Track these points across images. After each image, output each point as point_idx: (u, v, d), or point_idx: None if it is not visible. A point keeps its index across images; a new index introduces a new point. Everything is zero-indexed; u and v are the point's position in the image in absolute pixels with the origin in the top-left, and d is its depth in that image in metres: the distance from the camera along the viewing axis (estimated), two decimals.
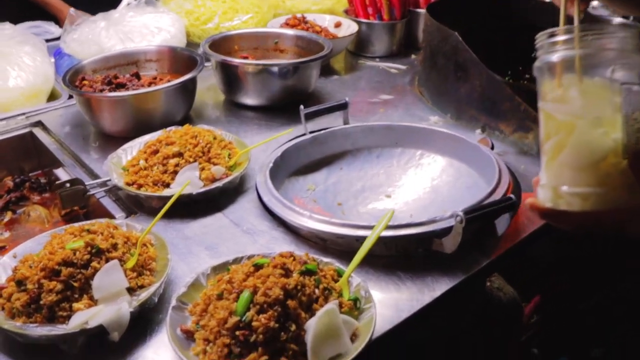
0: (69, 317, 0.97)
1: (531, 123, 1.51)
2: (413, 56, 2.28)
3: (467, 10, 1.95)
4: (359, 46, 2.30)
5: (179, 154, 1.36)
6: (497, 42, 1.91)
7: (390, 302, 1.05)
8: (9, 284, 1.03)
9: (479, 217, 1.09)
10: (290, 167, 1.49)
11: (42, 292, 0.98)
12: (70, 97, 1.93)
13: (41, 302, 0.98)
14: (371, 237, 1.04)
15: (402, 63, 2.22)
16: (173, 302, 0.98)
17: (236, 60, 1.76)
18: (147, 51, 1.86)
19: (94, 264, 1.01)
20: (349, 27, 2.20)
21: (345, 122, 1.63)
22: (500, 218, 1.22)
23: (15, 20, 2.12)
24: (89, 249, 1.03)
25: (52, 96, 1.98)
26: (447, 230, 1.12)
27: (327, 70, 2.14)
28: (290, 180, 1.47)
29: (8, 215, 1.60)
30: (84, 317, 0.96)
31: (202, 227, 1.28)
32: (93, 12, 2.12)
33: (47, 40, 2.11)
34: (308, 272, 0.97)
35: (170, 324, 0.94)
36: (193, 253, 1.18)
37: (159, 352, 0.97)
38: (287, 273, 0.95)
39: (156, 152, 1.38)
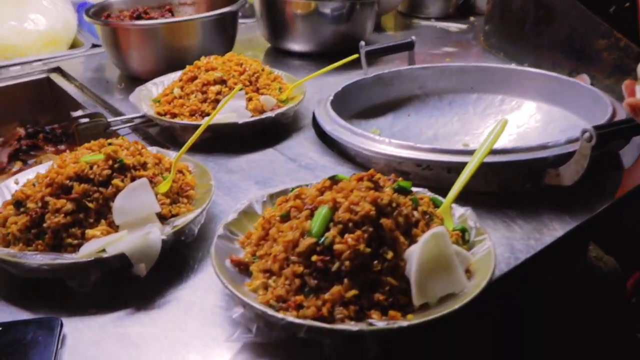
0: (79, 247, 0.73)
1: (631, 62, 1.25)
2: (472, 18, 2.03)
3: None
4: (411, 6, 2.07)
5: (222, 81, 1.13)
6: None
7: (502, 241, 0.80)
8: (5, 208, 0.80)
9: (613, 135, 0.84)
10: (351, 109, 1.25)
11: (47, 213, 0.74)
12: (94, 45, 1.72)
13: (44, 225, 0.74)
14: (487, 144, 0.79)
15: (462, 24, 1.97)
16: (220, 231, 0.74)
17: None
18: None
19: (117, 181, 0.77)
20: None
21: (412, 65, 1.39)
22: (626, 150, 0.97)
23: None
24: (110, 162, 0.79)
25: (73, 46, 1.77)
26: (562, 158, 0.87)
27: (377, 28, 1.90)
28: (352, 123, 1.23)
29: (17, 165, 1.38)
30: (99, 244, 0.72)
31: (249, 161, 1.04)
32: None
33: None
34: (401, 190, 0.72)
35: (217, 254, 0.69)
36: (240, 187, 0.95)
37: (198, 293, 0.72)
38: (377, 187, 0.70)
39: (194, 78, 1.15)
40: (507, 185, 0.91)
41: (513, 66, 1.32)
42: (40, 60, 1.62)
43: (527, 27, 1.50)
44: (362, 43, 1.34)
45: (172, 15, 1.52)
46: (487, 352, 0.97)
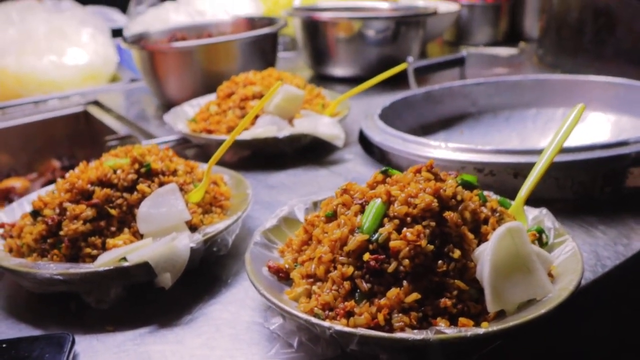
0: (97, 258, 0.64)
1: None
2: (522, 43, 1.94)
3: None
4: (458, 34, 1.99)
5: (261, 96, 1.05)
6: None
7: (584, 248, 0.69)
8: (22, 219, 0.72)
9: None
10: (400, 126, 1.14)
11: (64, 220, 0.66)
12: (132, 80, 1.69)
13: (61, 234, 0.66)
14: (555, 140, 0.68)
15: (512, 48, 1.88)
16: (257, 237, 0.64)
17: (325, 15, 1.46)
18: (220, 22, 1.60)
19: (142, 186, 0.69)
20: (449, 9, 1.89)
21: (463, 80, 1.29)
22: None
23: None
24: (136, 166, 0.71)
25: (113, 81, 1.74)
26: None
27: (422, 56, 1.83)
28: None
29: None
30: (120, 252, 0.63)
31: (291, 176, 0.95)
32: None
33: (114, 34, 1.89)
34: (467, 185, 0.62)
35: (252, 261, 0.60)
36: (281, 202, 0.85)
37: (230, 308, 0.62)
38: (438, 178, 0.60)
39: (231, 94, 1.08)
40: (584, 190, 0.80)
41: (574, 76, 1.22)
42: (79, 94, 1.59)
43: (586, 39, 1.40)
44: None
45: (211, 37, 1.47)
46: None
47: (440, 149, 0.85)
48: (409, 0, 1.98)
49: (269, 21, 1.53)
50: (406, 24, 1.47)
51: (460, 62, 1.31)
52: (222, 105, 1.07)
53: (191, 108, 1.17)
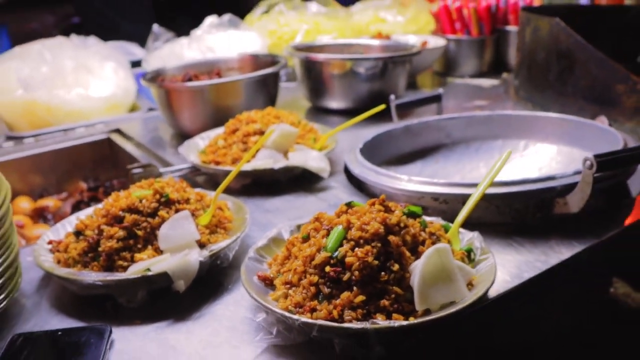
0: (127, 269, 0.84)
1: None
2: (505, 74, 2.12)
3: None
4: (446, 66, 2.18)
5: (261, 132, 1.25)
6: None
7: (509, 264, 0.87)
8: (66, 238, 0.92)
9: (613, 163, 0.90)
10: (382, 156, 1.34)
11: (102, 239, 0.86)
12: (150, 109, 1.89)
13: (99, 249, 0.85)
14: (490, 175, 0.86)
15: (495, 80, 2.07)
16: (250, 254, 0.83)
17: (321, 56, 1.65)
18: (228, 59, 1.79)
19: (162, 212, 0.89)
20: (437, 44, 2.08)
21: (440, 115, 1.48)
22: (633, 179, 1.03)
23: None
24: (157, 196, 0.90)
25: (132, 110, 1.94)
26: (569, 188, 0.94)
27: (412, 86, 2.02)
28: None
29: None
30: (145, 264, 0.82)
31: (284, 202, 1.14)
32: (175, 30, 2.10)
33: (133, 65, 2.09)
34: (412, 214, 0.80)
35: (246, 272, 0.79)
36: (275, 224, 1.04)
37: (229, 307, 0.81)
38: (387, 210, 0.78)
39: (236, 130, 1.27)
40: (519, 215, 0.98)
41: (535, 113, 1.40)
42: (102, 122, 1.79)
43: (551, 77, 1.58)
44: (392, 97, 1.44)
45: (220, 75, 1.66)
46: None
47: (404, 181, 1.03)
48: (402, 36, 2.17)
49: (272, 59, 1.73)
50: (393, 62, 1.66)
51: (437, 99, 1.49)
52: (228, 140, 1.26)
53: (202, 140, 1.36)
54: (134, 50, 2.17)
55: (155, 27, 2.05)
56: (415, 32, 2.29)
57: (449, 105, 1.75)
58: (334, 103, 1.71)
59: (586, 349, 1.20)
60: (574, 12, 1.98)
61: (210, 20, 2.10)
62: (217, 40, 1.99)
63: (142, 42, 2.17)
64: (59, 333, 0.77)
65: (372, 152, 1.28)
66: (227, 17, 2.10)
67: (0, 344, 0.76)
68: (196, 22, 2.12)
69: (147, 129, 1.74)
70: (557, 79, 1.55)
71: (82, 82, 1.81)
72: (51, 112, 1.75)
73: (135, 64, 2.16)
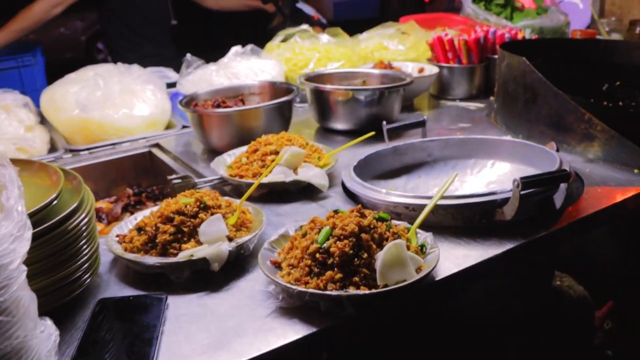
0: (177, 255, 1.16)
1: (595, 132, 1.62)
2: (492, 98, 2.42)
3: (540, 51, 2.11)
4: (441, 89, 2.48)
5: (276, 152, 1.57)
6: (573, 79, 2.05)
7: (458, 257, 1.18)
8: (130, 232, 1.25)
9: (534, 183, 1.22)
10: (373, 171, 1.66)
11: (158, 233, 1.19)
12: (184, 127, 2.22)
13: (156, 241, 1.18)
14: (439, 192, 1.18)
15: (481, 103, 2.37)
16: (265, 245, 1.16)
17: (328, 87, 1.98)
18: (250, 85, 2.13)
19: (201, 215, 1.21)
20: (431, 71, 2.40)
21: (424, 138, 1.79)
22: (558, 195, 1.33)
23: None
24: (198, 203, 1.23)
25: (168, 127, 2.28)
26: (507, 200, 1.25)
27: (410, 109, 2.33)
28: (373, 183, 1.63)
29: (127, 215, 1.85)
30: (190, 252, 1.15)
31: (292, 208, 1.46)
32: (205, 59, 2.44)
33: (167, 86, 2.43)
34: (381, 219, 1.12)
35: (261, 258, 1.11)
36: (285, 225, 1.36)
37: (249, 283, 1.14)
38: (362, 216, 1.10)
39: (256, 150, 1.60)
40: (468, 221, 1.29)
41: (501, 137, 1.70)
42: (144, 138, 2.13)
43: (519, 106, 1.89)
44: (384, 123, 1.76)
45: (243, 103, 2.00)
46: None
47: (383, 194, 1.35)
48: (402, 63, 2.49)
49: (287, 86, 2.05)
50: (388, 91, 1.98)
51: (422, 124, 1.80)
52: (250, 158, 1.59)
53: (228, 157, 1.69)
54: (170, 73, 2.51)
55: (188, 55, 2.39)
56: (414, 59, 2.61)
57: (435, 127, 2.07)
58: (339, 125, 2.03)
59: (533, 331, 1.51)
60: (551, 46, 2.29)
61: (235, 49, 2.43)
62: (241, 67, 2.32)
63: (177, 68, 2.50)
64: (130, 298, 1.10)
65: (366, 168, 1.60)
66: (249, 47, 2.44)
67: (89, 307, 1.09)
68: (214, 46, 2.45)
69: (181, 144, 2.08)
70: (524, 108, 1.86)
71: (127, 103, 2.15)
72: (102, 129, 2.09)
73: (170, 85, 2.50)
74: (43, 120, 2.25)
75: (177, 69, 2.48)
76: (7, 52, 3.72)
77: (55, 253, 1.05)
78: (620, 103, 2.04)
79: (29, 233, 0.84)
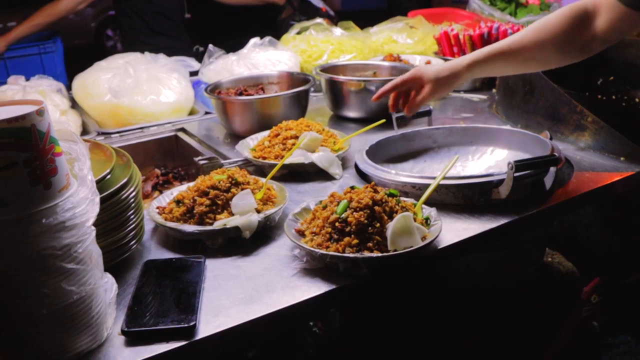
0: (212, 224, 1.33)
1: (587, 123, 1.77)
2: (493, 90, 2.57)
3: None
4: None
5: (295, 137, 1.74)
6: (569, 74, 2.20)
7: (459, 230, 1.35)
8: (169, 205, 1.42)
9: (527, 166, 1.38)
10: (382, 156, 1.82)
11: (195, 205, 1.36)
12: (206, 113, 2.38)
13: (194, 212, 1.35)
14: (442, 172, 1.35)
15: (483, 95, 2.53)
16: (290, 217, 1.33)
17: (341, 78, 2.15)
18: (269, 75, 2.29)
19: (233, 190, 1.38)
20: (437, 64, 2.54)
21: (429, 126, 1.95)
22: (548, 177, 1.49)
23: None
24: (229, 180, 1.40)
25: (191, 113, 2.44)
26: (503, 181, 1.41)
27: None
28: (382, 166, 1.79)
29: (156, 194, 2.02)
30: (224, 222, 1.32)
31: (311, 187, 1.63)
32: (227, 51, 2.60)
33: (190, 75, 2.60)
34: (391, 195, 1.29)
35: (287, 227, 1.28)
36: (304, 200, 1.52)
37: (276, 249, 1.31)
38: (375, 191, 1.27)
39: (277, 135, 1.77)
40: (468, 199, 1.46)
41: (499, 126, 1.87)
42: (170, 123, 2.29)
43: (518, 98, 2.05)
44: (393, 112, 1.92)
45: (263, 91, 2.16)
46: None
47: (393, 174, 1.51)
48: (410, 56, 2.65)
49: (304, 77, 2.22)
50: None
51: (428, 113, 1.96)
52: (272, 141, 1.75)
53: (251, 141, 1.85)
54: (192, 63, 2.67)
55: (210, 46, 2.55)
56: (422, 52, 2.77)
57: (440, 116, 2.23)
58: (351, 113, 2.19)
59: (525, 300, 1.67)
60: None
61: (254, 40, 2.59)
62: (260, 58, 2.48)
63: (199, 58, 2.66)
64: (173, 260, 1.27)
65: (376, 152, 1.76)
66: (267, 38, 2.60)
67: (137, 267, 1.26)
68: (226, 37, 2.61)
69: (204, 129, 2.24)
70: (522, 99, 2.02)
71: (154, 90, 2.32)
72: (132, 114, 2.25)
73: (192, 73, 2.67)
74: (74, 105, 2.42)
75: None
76: (30, 39, 3.88)
77: (109, 220, 1.21)
78: (613, 97, 2.20)
79: (98, 198, 1.01)
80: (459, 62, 1.67)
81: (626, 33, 1.53)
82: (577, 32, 1.52)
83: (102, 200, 1.20)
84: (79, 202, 0.96)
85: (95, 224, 1.12)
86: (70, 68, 3.72)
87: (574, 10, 1.52)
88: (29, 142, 0.88)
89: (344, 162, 1.77)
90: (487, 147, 1.85)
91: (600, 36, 1.50)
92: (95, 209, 1.00)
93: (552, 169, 1.49)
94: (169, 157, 2.24)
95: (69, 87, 2.56)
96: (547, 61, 1.62)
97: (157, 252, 1.34)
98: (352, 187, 1.30)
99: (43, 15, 3.29)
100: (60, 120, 2.20)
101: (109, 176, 1.24)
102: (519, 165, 1.37)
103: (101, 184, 1.21)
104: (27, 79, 2.40)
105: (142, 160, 2.22)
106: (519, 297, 1.64)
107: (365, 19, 3.17)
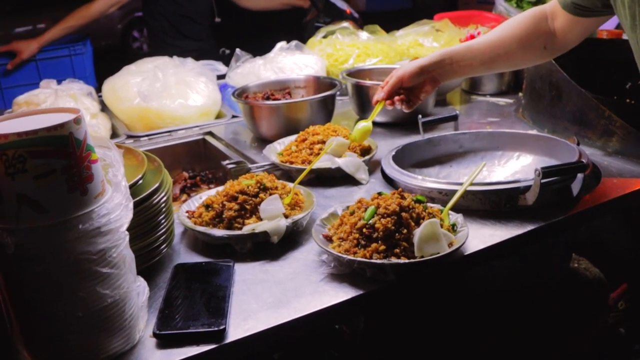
0: (241, 229, 1.35)
1: (615, 128, 1.76)
2: (520, 94, 2.56)
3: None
4: (472, 85, 2.63)
5: (322, 142, 1.75)
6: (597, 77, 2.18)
7: (485, 236, 1.35)
8: (198, 209, 1.44)
9: (553, 172, 1.38)
10: (408, 161, 1.82)
11: (224, 210, 1.38)
12: (234, 116, 2.41)
13: (223, 216, 1.37)
14: (469, 179, 1.35)
15: (510, 99, 2.52)
16: (317, 222, 1.34)
17: (367, 82, 2.16)
18: (296, 79, 2.31)
19: (261, 195, 1.40)
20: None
21: (456, 131, 1.96)
22: (575, 183, 1.49)
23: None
24: (258, 185, 1.42)
25: (218, 116, 2.47)
26: (529, 188, 1.41)
27: (443, 103, 2.49)
28: (408, 171, 1.80)
29: (184, 196, 2.05)
30: (252, 227, 1.34)
31: (337, 192, 1.64)
32: (254, 55, 2.62)
33: (217, 78, 2.62)
34: (418, 201, 1.30)
35: (315, 232, 1.30)
36: (331, 205, 1.54)
37: (303, 254, 1.33)
38: (402, 197, 1.28)
39: (305, 139, 1.78)
40: (495, 205, 1.46)
41: (527, 131, 1.86)
42: (197, 126, 2.32)
43: (545, 102, 2.04)
44: (420, 116, 1.93)
45: (290, 96, 2.18)
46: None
47: (419, 180, 1.52)
48: None
49: (330, 81, 2.23)
50: None
51: (454, 118, 1.96)
52: (299, 146, 1.77)
53: (279, 145, 1.87)
54: (219, 66, 2.70)
55: (238, 50, 2.58)
56: None
57: (467, 120, 2.23)
58: (377, 117, 2.19)
59: (551, 306, 1.67)
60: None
61: (280, 44, 2.62)
62: (286, 62, 2.50)
63: (226, 62, 2.69)
64: (203, 264, 1.29)
65: (402, 157, 1.77)
66: (294, 42, 2.62)
67: (167, 271, 1.29)
68: (252, 40, 2.63)
69: (231, 132, 2.27)
70: (549, 104, 2.01)
71: (182, 94, 2.35)
72: (160, 117, 2.29)
73: (219, 77, 2.69)
74: (104, 108, 2.46)
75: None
76: (60, 41, 3.95)
77: (140, 224, 1.24)
78: None
79: (131, 204, 1.04)
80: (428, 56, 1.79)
81: (586, 35, 1.67)
82: (538, 29, 1.66)
83: (135, 205, 1.22)
84: (114, 208, 0.98)
85: (128, 229, 1.15)
86: (98, 69, 3.78)
87: (533, 11, 1.68)
88: (67, 150, 0.91)
89: (371, 166, 1.78)
90: (514, 152, 1.85)
91: (559, 35, 1.64)
92: (129, 215, 1.03)
93: (580, 175, 1.49)
94: (196, 160, 2.27)
95: (97, 89, 2.60)
96: (512, 57, 1.73)
97: (187, 256, 1.36)
98: (380, 193, 1.32)
99: (75, 18, 3.35)
100: (90, 123, 2.24)
101: (141, 181, 1.27)
102: (546, 171, 1.37)
103: (133, 189, 1.23)
104: (59, 82, 2.44)
105: (170, 163, 2.24)
106: (544, 303, 1.64)
107: (390, 20, 3.17)
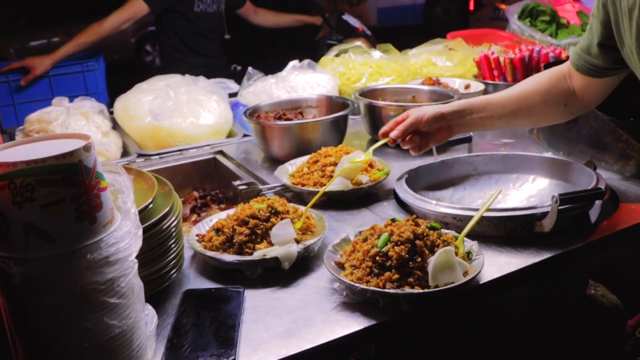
0: (252, 254, 1.33)
1: (632, 152, 1.73)
2: None
3: None
4: None
5: (334, 164, 1.73)
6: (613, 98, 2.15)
7: (501, 264, 1.32)
8: (208, 233, 1.42)
9: (571, 199, 1.35)
10: (422, 183, 1.80)
11: (235, 234, 1.36)
12: (245, 135, 2.40)
13: (233, 241, 1.35)
14: (485, 206, 1.33)
15: None
16: (329, 248, 1.32)
17: (380, 103, 2.14)
18: (308, 99, 2.30)
19: (273, 219, 1.38)
20: (477, 88, 2.53)
21: (470, 153, 1.93)
22: (593, 210, 1.45)
23: None
24: (269, 209, 1.40)
25: (230, 135, 2.46)
26: (546, 214, 1.38)
27: None
28: (421, 193, 1.78)
29: (194, 216, 2.03)
30: (263, 252, 1.32)
31: (350, 215, 1.62)
32: (265, 72, 2.61)
33: (229, 96, 2.62)
34: (432, 228, 1.27)
35: (326, 259, 1.27)
36: (344, 230, 1.51)
37: (315, 281, 1.31)
38: (416, 224, 1.26)
39: (317, 161, 1.76)
40: (510, 231, 1.43)
41: (542, 154, 1.83)
42: (208, 145, 2.31)
43: (561, 125, 2.00)
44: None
45: (302, 116, 2.16)
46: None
47: (433, 205, 1.50)
48: (449, 79, 2.63)
49: (342, 101, 2.21)
50: None
51: (468, 140, 1.93)
52: (311, 168, 1.75)
53: (290, 166, 1.85)
54: (231, 85, 2.69)
55: (250, 69, 2.57)
56: (461, 75, 2.74)
57: (480, 142, 2.19)
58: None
59: (567, 333, 1.63)
60: None
61: (293, 63, 2.61)
62: (298, 80, 2.48)
63: (238, 80, 2.68)
64: (212, 290, 1.27)
65: (416, 179, 1.74)
66: (306, 61, 2.61)
67: (176, 297, 1.26)
68: (264, 56, 2.62)
69: (242, 152, 2.25)
70: (565, 127, 1.98)
71: (194, 113, 2.34)
72: (171, 136, 2.28)
73: (230, 95, 2.69)
74: (115, 126, 2.46)
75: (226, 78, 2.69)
76: (73, 57, 3.97)
77: (150, 249, 1.22)
78: None
79: (140, 231, 1.02)
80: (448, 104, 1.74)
81: (606, 94, 1.64)
82: (558, 86, 1.65)
83: (144, 230, 1.19)
84: (123, 237, 0.97)
85: (137, 255, 1.13)
86: (111, 82, 3.79)
87: (552, 70, 1.69)
88: (76, 178, 0.89)
89: (383, 189, 1.76)
90: (529, 176, 1.82)
91: (579, 94, 1.63)
92: (138, 243, 1.01)
93: (598, 202, 1.45)
94: (207, 179, 2.26)
95: (110, 104, 2.60)
96: (534, 112, 1.70)
97: (196, 281, 1.34)
98: (393, 220, 1.29)
99: (89, 34, 3.36)
100: (101, 141, 2.23)
101: (150, 206, 1.25)
102: (563, 198, 1.34)
103: (143, 214, 1.22)
104: (71, 99, 2.44)
105: (181, 182, 2.23)
106: (561, 330, 1.60)
107: (401, 36, 3.16)
